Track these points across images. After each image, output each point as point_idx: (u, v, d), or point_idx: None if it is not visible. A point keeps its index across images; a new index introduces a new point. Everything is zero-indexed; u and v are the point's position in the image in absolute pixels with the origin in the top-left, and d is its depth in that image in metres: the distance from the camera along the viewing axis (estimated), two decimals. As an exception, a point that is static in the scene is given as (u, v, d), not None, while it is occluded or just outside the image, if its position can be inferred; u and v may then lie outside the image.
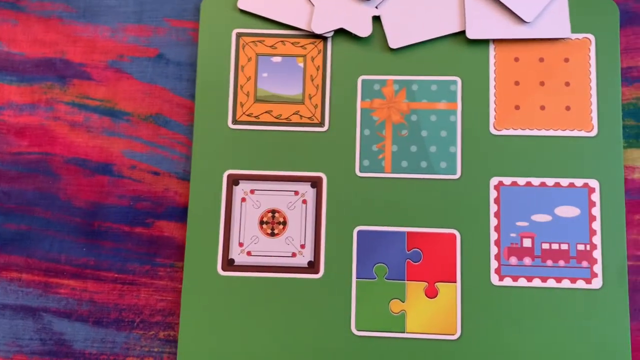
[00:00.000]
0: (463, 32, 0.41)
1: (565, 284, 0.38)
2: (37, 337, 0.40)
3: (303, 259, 0.40)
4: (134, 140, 0.42)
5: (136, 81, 0.43)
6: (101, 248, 0.41)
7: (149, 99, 0.42)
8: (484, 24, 0.41)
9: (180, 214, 0.41)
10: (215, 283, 0.39)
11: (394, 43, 0.41)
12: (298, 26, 0.41)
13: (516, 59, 0.41)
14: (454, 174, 0.40)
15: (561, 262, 0.38)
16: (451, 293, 0.38)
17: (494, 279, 0.38)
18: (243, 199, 0.40)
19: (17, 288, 0.41)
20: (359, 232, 0.40)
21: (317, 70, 0.41)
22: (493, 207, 0.39)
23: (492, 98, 0.40)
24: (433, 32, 0.40)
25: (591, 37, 0.41)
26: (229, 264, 0.39)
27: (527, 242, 0.39)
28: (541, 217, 0.39)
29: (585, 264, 0.38)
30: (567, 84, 0.40)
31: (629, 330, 0.37)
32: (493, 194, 0.39)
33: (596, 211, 0.39)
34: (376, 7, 0.40)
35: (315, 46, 0.42)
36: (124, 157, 0.42)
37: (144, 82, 0.43)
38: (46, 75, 0.43)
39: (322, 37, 0.42)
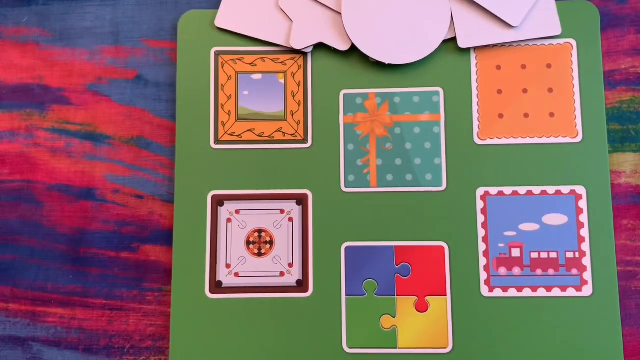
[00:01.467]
0: (444, 42, 0.40)
1: (556, 292, 0.38)
2: (27, 367, 0.40)
3: (291, 278, 0.39)
4: (116, 164, 0.42)
5: (115, 104, 0.42)
6: (88, 274, 0.40)
7: (129, 122, 0.42)
8: (472, 32, 0.40)
9: (166, 237, 0.41)
10: (203, 306, 0.39)
11: (390, 59, 0.40)
12: (277, 42, 0.41)
13: (498, 67, 0.40)
14: (440, 185, 0.40)
15: (551, 271, 0.38)
16: (441, 306, 0.38)
17: (484, 291, 0.38)
18: (229, 220, 0.40)
19: (5, 318, 0.40)
20: (347, 248, 0.39)
21: (298, 85, 0.41)
22: (480, 218, 0.39)
23: (475, 107, 0.40)
24: (430, 46, 0.40)
25: (572, 41, 0.40)
26: (216, 286, 0.39)
27: (515, 252, 0.39)
28: (529, 226, 0.39)
29: (575, 271, 0.38)
30: (550, 90, 0.40)
31: (621, 336, 0.37)
32: (480, 204, 0.39)
33: (584, 218, 0.39)
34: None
35: (295, 62, 0.41)
36: (106, 181, 0.41)
37: (124, 104, 0.42)
38: (24, 101, 0.42)
39: (301, 53, 0.41)
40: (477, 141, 0.40)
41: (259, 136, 0.41)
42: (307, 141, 0.41)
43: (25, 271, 0.41)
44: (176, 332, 0.39)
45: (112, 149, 0.42)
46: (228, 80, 0.41)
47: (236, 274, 0.39)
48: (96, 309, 0.40)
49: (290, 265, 0.39)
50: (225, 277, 0.39)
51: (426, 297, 0.38)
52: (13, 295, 0.41)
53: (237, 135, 0.41)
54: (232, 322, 0.39)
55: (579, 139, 0.39)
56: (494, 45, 0.40)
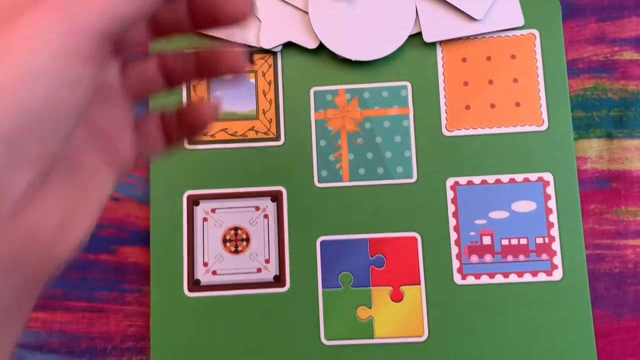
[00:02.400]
0: (410, 37, 0.41)
1: (527, 277, 0.39)
2: (10, 372, 0.40)
3: (268, 274, 0.40)
4: (92, 168, 0.42)
5: (90, 109, 0.43)
6: (68, 278, 0.41)
7: (104, 126, 0.42)
8: (437, 26, 0.41)
9: (143, 238, 0.41)
10: (183, 305, 0.39)
11: (357, 56, 0.41)
12: (247, 43, 0.42)
13: (464, 60, 0.41)
14: (411, 177, 0.40)
15: (521, 257, 0.39)
16: (416, 295, 0.39)
17: (457, 279, 0.39)
18: (205, 219, 0.40)
19: (-13, 325, 0.41)
20: (322, 242, 0.40)
21: (269, 84, 0.42)
22: (451, 208, 0.40)
23: (442, 100, 0.41)
24: (396, 42, 0.41)
25: (535, 32, 0.41)
26: (195, 284, 0.40)
27: (486, 240, 0.39)
28: (499, 214, 0.40)
29: (545, 256, 0.39)
30: (515, 80, 0.41)
31: (592, 318, 0.38)
32: (450, 194, 0.40)
33: (552, 204, 0.39)
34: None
35: (266, 61, 0.42)
36: (83, 185, 0.42)
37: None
38: None
39: (271, 52, 0.42)
40: (446, 133, 0.41)
41: (232, 135, 0.41)
42: (280, 139, 0.41)
43: (5, 277, 0.41)
44: (156, 332, 0.39)
45: (87, 153, 0.42)
46: (200, 81, 0.42)
47: (214, 272, 0.40)
48: (77, 311, 0.41)
49: (267, 261, 0.40)
50: (203, 276, 0.40)
51: (401, 287, 0.39)
52: (-6, 301, 0.41)
53: (210, 135, 0.41)
54: (211, 319, 0.39)
55: (544, 127, 0.40)
56: (459, 39, 0.41)
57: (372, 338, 0.39)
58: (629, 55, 0.41)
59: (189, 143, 0.41)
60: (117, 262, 0.41)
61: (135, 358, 0.40)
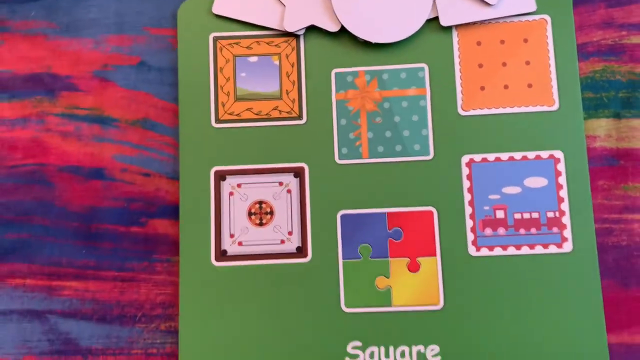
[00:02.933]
0: (428, 21, 0.43)
1: (539, 250, 0.41)
2: (45, 338, 0.42)
3: (291, 245, 0.42)
4: (124, 145, 0.44)
5: (121, 89, 0.45)
6: (100, 249, 0.43)
7: (134, 105, 0.45)
8: (454, 11, 0.43)
9: (172, 211, 0.43)
10: (210, 274, 0.41)
11: (377, 38, 0.43)
12: (271, 26, 0.44)
13: (478, 43, 0.43)
14: (427, 155, 0.42)
15: (533, 230, 0.41)
16: (432, 266, 0.41)
17: (472, 250, 0.41)
18: (231, 193, 0.42)
19: (22, 293, 0.43)
20: (342, 216, 0.42)
21: (292, 66, 0.44)
22: (466, 183, 0.42)
23: (458, 81, 0.43)
24: (414, 26, 0.43)
25: (547, 17, 0.43)
26: (221, 255, 0.42)
27: (500, 214, 0.41)
28: (511, 189, 0.41)
29: (555, 229, 0.41)
30: (528, 62, 0.43)
31: (600, 288, 0.40)
32: (465, 171, 0.42)
33: (562, 180, 0.41)
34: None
35: (289, 44, 0.44)
36: (115, 161, 0.44)
37: (129, 89, 0.45)
38: (35, 90, 0.45)
39: (294, 35, 0.44)
40: (461, 112, 0.43)
41: (257, 115, 0.43)
42: (302, 118, 0.43)
43: (40, 248, 0.43)
44: (185, 299, 0.41)
45: (119, 131, 0.44)
46: (226, 63, 0.44)
47: (239, 243, 0.42)
48: (108, 281, 0.43)
49: (290, 233, 0.42)
50: (230, 246, 0.42)
51: (417, 258, 0.41)
52: (30, 271, 0.43)
53: (236, 115, 0.43)
54: (236, 287, 0.41)
55: (555, 107, 0.42)
56: (474, 23, 0.43)
57: (390, 306, 0.41)
58: (636, 39, 0.43)
59: (216, 122, 0.43)
60: (147, 233, 0.43)
61: (164, 324, 0.42)
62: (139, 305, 0.42)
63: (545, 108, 0.42)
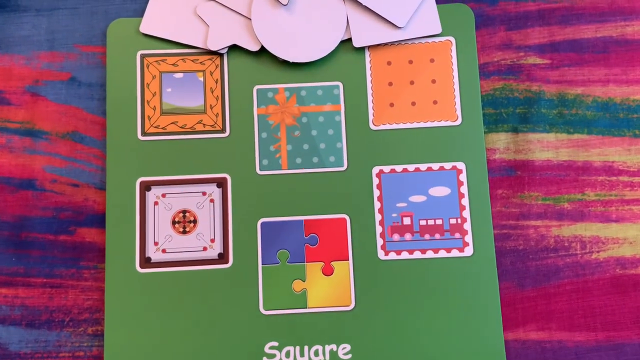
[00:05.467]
0: (342, 42, 0.46)
1: (442, 254, 0.44)
2: (-26, 343, 0.44)
3: (213, 252, 0.44)
4: (54, 157, 0.46)
5: (52, 103, 0.47)
6: (29, 257, 0.45)
7: (65, 118, 0.47)
8: (366, 33, 0.46)
9: (99, 220, 0.45)
10: (134, 280, 0.44)
11: (294, 58, 0.46)
12: (196, 45, 0.46)
13: (389, 63, 0.47)
14: (342, 166, 0.45)
15: (437, 235, 0.44)
16: (344, 270, 0.44)
17: (381, 255, 0.44)
18: (155, 203, 0.45)
19: (-47, 300, 0.44)
20: (262, 223, 0.45)
21: (216, 82, 0.46)
22: (376, 192, 0.45)
23: (370, 98, 0.46)
24: (329, 46, 0.46)
25: (452, 39, 0.47)
26: (146, 261, 0.44)
27: (407, 220, 0.44)
28: (417, 198, 0.45)
29: (457, 235, 0.44)
30: (434, 81, 0.46)
31: (498, 289, 0.43)
32: (375, 181, 0.45)
33: (464, 189, 0.45)
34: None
35: (213, 62, 0.47)
36: (45, 172, 0.46)
37: (60, 103, 0.47)
38: (-32, 103, 0.47)
39: (218, 53, 0.47)
40: (372, 127, 0.46)
41: (182, 128, 0.46)
42: (225, 131, 0.46)
43: (-29, 257, 0.45)
44: (110, 304, 0.43)
45: (49, 143, 0.46)
46: (153, 79, 0.46)
47: (163, 250, 0.44)
48: (37, 287, 0.44)
49: (212, 240, 0.44)
50: (154, 254, 0.44)
51: (331, 262, 0.44)
52: (-40, 279, 0.44)
53: (162, 128, 0.46)
54: (160, 292, 0.43)
55: (458, 122, 0.46)
56: (385, 44, 0.47)
57: (306, 307, 0.43)
58: (532, 60, 0.47)
59: (142, 135, 0.45)
60: (75, 241, 0.45)
61: (91, 329, 0.44)
62: (66, 310, 0.44)
63: (449, 123, 0.46)
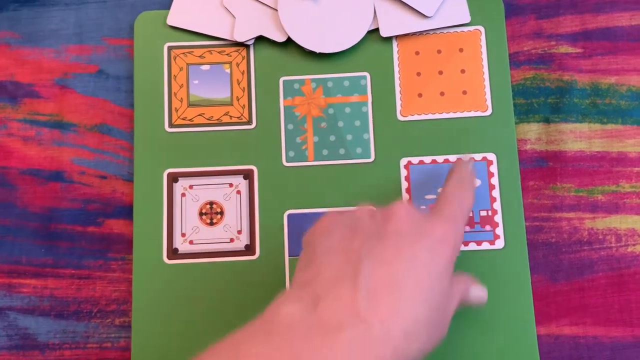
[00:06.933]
0: (369, 32, 0.46)
1: (472, 246, 0.43)
2: (4, 333, 0.44)
3: (240, 243, 0.44)
4: (82, 149, 0.46)
5: (80, 95, 0.47)
6: (58, 248, 0.45)
7: (92, 111, 0.47)
8: (393, 22, 0.46)
9: (127, 212, 0.45)
10: (162, 271, 0.44)
11: (321, 48, 0.45)
12: (222, 37, 0.46)
13: (417, 53, 0.46)
14: (369, 157, 0.45)
15: (467, 228, 0.43)
16: (372, 262, 0.43)
17: (409, 247, 0.43)
18: (183, 194, 0.45)
19: (-17, 291, 0.45)
20: (289, 215, 0.44)
21: (243, 74, 0.46)
22: (404, 184, 0.44)
23: (397, 89, 0.46)
24: (356, 36, 0.45)
25: (481, 28, 0.46)
26: (173, 253, 0.44)
27: (436, 213, 0.44)
28: (447, 190, 0.44)
29: (488, 227, 0.43)
30: (463, 71, 0.45)
31: (530, 282, 0.42)
32: (403, 172, 0.44)
33: (495, 181, 0.44)
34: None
35: (239, 53, 0.47)
36: (73, 164, 0.46)
37: (87, 95, 0.47)
38: (-2, 96, 0.47)
39: (244, 45, 0.46)
40: (400, 118, 0.45)
41: (209, 120, 0.46)
42: (252, 123, 0.46)
43: (1, 247, 0.45)
44: (137, 295, 0.43)
45: (77, 135, 0.47)
46: (180, 71, 0.46)
47: (190, 242, 0.44)
48: (66, 278, 0.45)
49: (239, 232, 0.44)
50: (181, 245, 0.44)
51: (359, 255, 0.43)
52: (-10, 269, 0.45)
53: (188, 120, 0.46)
54: (187, 283, 0.43)
55: (488, 112, 0.45)
56: (413, 34, 0.46)
57: (333, 300, 0.43)
58: (564, 49, 0.46)
59: (170, 127, 0.46)
60: (103, 233, 0.45)
61: (118, 320, 0.44)
62: (94, 301, 0.44)
63: (479, 113, 0.45)
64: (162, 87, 0.46)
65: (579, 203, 0.44)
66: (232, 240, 0.44)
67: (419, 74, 0.46)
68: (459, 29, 0.46)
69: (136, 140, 0.45)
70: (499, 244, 0.43)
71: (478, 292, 0.37)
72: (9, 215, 0.46)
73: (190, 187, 0.45)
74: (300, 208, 0.44)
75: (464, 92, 0.45)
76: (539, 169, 0.45)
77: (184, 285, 0.43)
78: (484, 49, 0.46)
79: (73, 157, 0.46)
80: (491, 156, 0.44)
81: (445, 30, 0.46)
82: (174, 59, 0.46)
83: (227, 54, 0.46)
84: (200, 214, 0.45)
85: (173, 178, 0.45)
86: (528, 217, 0.44)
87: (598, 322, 0.42)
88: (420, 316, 0.30)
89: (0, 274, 0.45)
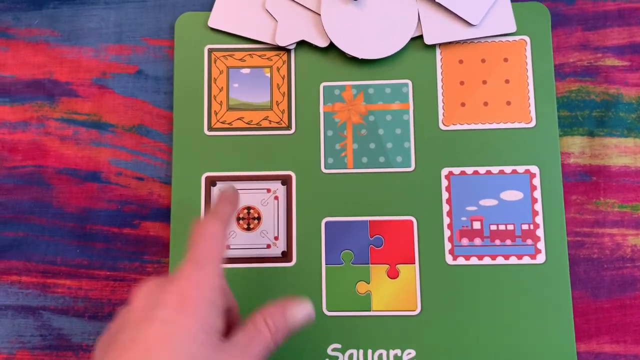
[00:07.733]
0: (413, 39, 0.45)
1: (513, 260, 0.43)
2: (38, 333, 0.44)
3: (277, 250, 0.44)
4: (119, 150, 0.46)
5: (119, 96, 0.47)
6: (93, 249, 0.45)
7: (131, 112, 0.47)
8: (437, 30, 0.45)
9: (164, 214, 0.45)
10: (198, 275, 0.43)
11: (363, 54, 0.45)
12: (264, 40, 0.46)
13: (460, 61, 0.45)
14: (409, 166, 0.44)
15: (508, 241, 0.43)
16: (411, 273, 0.43)
17: (449, 259, 0.43)
18: (220, 198, 0.44)
19: (18, 290, 0.45)
20: (327, 222, 0.44)
21: (283, 79, 0.46)
22: (445, 195, 0.44)
23: (440, 97, 0.45)
24: (399, 43, 0.45)
25: (527, 38, 0.45)
26: (210, 257, 0.43)
27: (476, 225, 0.43)
28: (488, 202, 0.43)
29: (529, 241, 0.43)
30: (507, 81, 0.45)
31: (571, 298, 0.42)
32: (444, 182, 0.44)
33: (537, 194, 0.43)
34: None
35: (280, 57, 0.46)
36: (110, 165, 0.46)
37: (126, 96, 0.47)
38: (36, 94, 0.47)
39: (285, 49, 0.46)
40: (442, 127, 0.45)
41: (248, 124, 0.45)
42: (291, 128, 0.45)
43: (36, 247, 0.45)
44: (173, 299, 0.43)
45: (115, 136, 0.46)
46: (220, 74, 0.46)
47: (227, 247, 0.44)
48: (101, 280, 0.44)
49: (276, 238, 0.44)
50: (218, 250, 0.44)
51: (397, 265, 0.43)
52: (25, 268, 0.45)
53: (228, 123, 0.45)
54: (223, 289, 0.43)
55: (532, 124, 0.44)
56: (457, 42, 0.45)
57: (369, 310, 0.42)
58: (610, 61, 0.45)
59: (209, 130, 0.45)
60: (139, 235, 0.45)
61: (153, 323, 0.44)
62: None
63: (522, 125, 0.44)
64: (201, 90, 0.46)
65: (622, 219, 0.43)
66: (269, 246, 0.44)
67: (462, 83, 0.45)
68: (504, 39, 0.45)
69: (175, 143, 0.45)
70: (540, 258, 0.42)
71: (298, 317, 0.34)
72: (44, 214, 0.45)
73: (228, 191, 0.44)
74: (338, 216, 0.44)
75: (508, 103, 0.44)
76: (582, 183, 0.44)
77: (220, 291, 0.43)
78: (529, 60, 0.45)
79: (110, 158, 0.46)
80: (534, 169, 0.44)
81: (490, 40, 0.45)
82: (214, 62, 0.46)
83: (267, 58, 0.46)
84: (238, 218, 0.44)
85: (211, 181, 0.45)
86: (570, 232, 0.43)
87: (639, 340, 0.42)
88: None
89: (34, 273, 0.45)
